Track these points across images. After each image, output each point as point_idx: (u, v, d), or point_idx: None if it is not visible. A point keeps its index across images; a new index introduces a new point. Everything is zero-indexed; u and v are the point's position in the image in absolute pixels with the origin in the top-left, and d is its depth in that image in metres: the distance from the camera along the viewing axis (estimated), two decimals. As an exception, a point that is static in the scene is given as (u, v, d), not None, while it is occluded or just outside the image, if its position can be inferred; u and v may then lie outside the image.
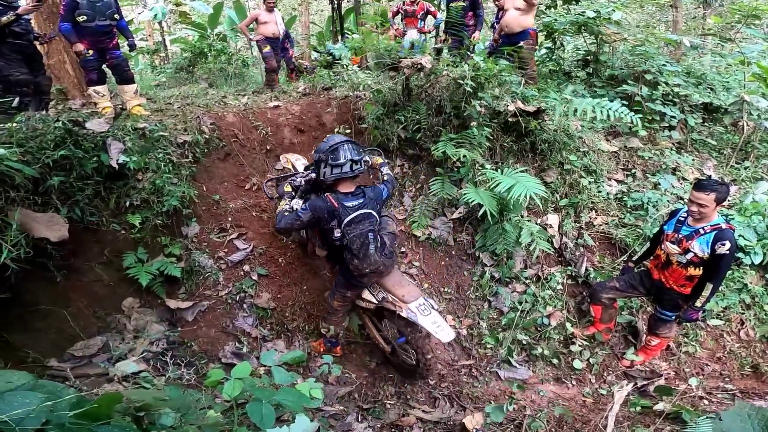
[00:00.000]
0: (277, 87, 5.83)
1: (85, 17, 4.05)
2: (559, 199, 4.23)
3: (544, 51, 6.22)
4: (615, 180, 4.41)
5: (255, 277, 3.82)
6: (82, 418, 1.15)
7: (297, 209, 2.75)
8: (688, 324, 3.60)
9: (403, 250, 4.19)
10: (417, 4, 7.00)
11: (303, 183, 3.05)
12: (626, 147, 4.66)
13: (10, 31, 3.75)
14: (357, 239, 2.70)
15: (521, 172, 3.86)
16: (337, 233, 2.69)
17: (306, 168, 3.49)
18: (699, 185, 2.81)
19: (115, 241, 3.34)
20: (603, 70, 5.39)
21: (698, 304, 2.97)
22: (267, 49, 6.10)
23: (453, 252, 4.23)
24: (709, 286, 2.88)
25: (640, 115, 4.15)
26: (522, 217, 4.03)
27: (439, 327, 2.75)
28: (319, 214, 2.67)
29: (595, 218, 4.15)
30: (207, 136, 4.19)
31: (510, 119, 4.17)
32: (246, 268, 3.85)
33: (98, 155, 3.25)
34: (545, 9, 6.38)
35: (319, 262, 3.87)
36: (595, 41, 5.46)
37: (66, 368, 2.49)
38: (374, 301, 3.03)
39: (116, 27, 4.39)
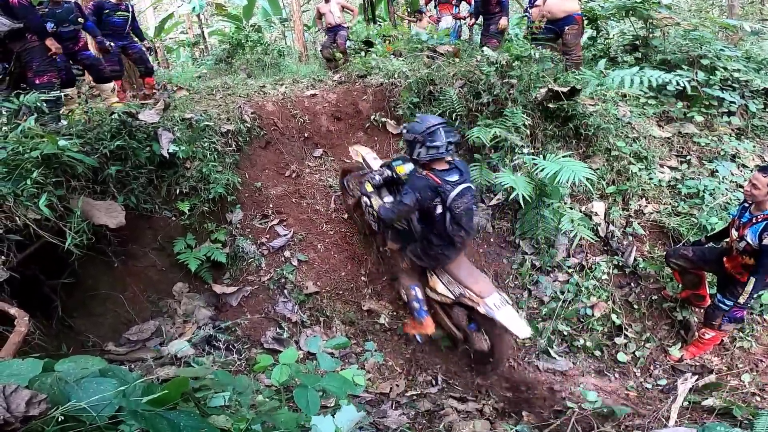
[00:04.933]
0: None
1: (51, 24, 4.14)
2: (605, 186, 4.04)
3: (586, 38, 5.89)
4: (668, 167, 4.15)
5: (295, 263, 3.91)
6: (152, 404, 1.20)
7: (398, 198, 2.76)
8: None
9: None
10: None
11: (381, 181, 3.25)
12: (680, 133, 4.37)
13: None
14: (464, 214, 2.75)
15: (564, 157, 3.71)
16: (439, 210, 2.70)
17: (382, 165, 3.57)
18: (764, 168, 2.71)
19: (166, 228, 3.51)
20: (653, 55, 5.07)
21: (741, 300, 2.86)
22: (324, 39, 6.69)
23: (492, 239, 4.15)
24: (752, 280, 2.77)
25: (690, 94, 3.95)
26: (564, 203, 3.89)
27: (516, 323, 2.76)
28: (423, 193, 2.65)
29: (646, 206, 3.93)
30: (248, 125, 4.28)
31: (550, 105, 4.01)
32: (287, 254, 3.94)
33: (150, 145, 3.40)
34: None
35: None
36: (644, 26, 5.16)
37: (123, 352, 2.65)
38: (451, 297, 3.02)
39: (84, 29, 4.52)
